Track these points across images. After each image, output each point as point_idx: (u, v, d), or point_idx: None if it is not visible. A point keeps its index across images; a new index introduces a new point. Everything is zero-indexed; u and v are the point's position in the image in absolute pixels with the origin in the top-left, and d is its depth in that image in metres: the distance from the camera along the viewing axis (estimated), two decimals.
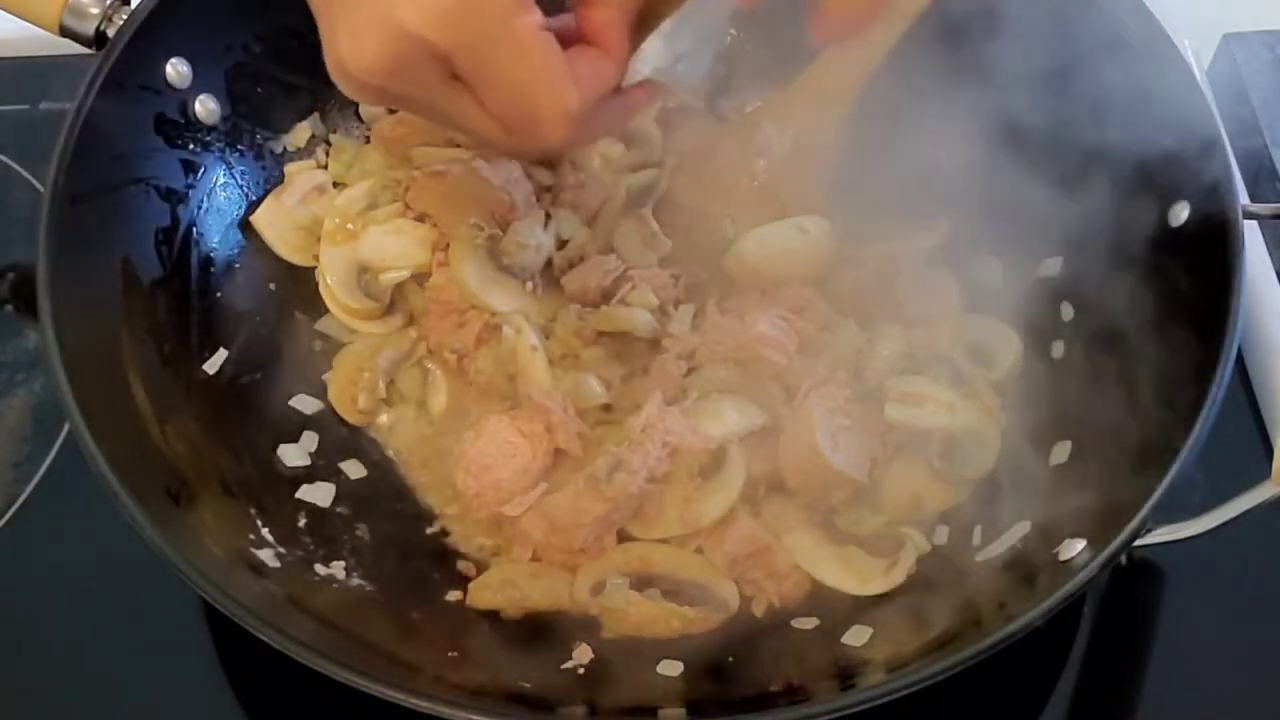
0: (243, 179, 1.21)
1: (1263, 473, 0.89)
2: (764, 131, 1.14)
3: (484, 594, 1.03)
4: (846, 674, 0.92)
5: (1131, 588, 1.09)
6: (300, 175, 1.24)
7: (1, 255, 1.29)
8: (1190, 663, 1.05)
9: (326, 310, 1.20)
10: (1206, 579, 1.08)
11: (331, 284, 1.18)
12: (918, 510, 1.06)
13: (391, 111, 1.27)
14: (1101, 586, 1.08)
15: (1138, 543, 0.88)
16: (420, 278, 1.19)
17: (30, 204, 1.29)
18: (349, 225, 1.20)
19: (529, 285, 1.16)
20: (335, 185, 1.25)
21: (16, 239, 1.27)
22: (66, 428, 1.17)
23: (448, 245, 1.17)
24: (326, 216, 1.21)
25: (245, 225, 1.20)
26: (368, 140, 1.28)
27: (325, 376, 1.18)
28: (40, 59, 1.39)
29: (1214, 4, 1.38)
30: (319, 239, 1.21)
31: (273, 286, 1.20)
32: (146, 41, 1.10)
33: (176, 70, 1.14)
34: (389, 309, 1.19)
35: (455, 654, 0.97)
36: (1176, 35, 1.06)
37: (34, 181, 1.31)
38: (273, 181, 1.23)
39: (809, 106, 1.14)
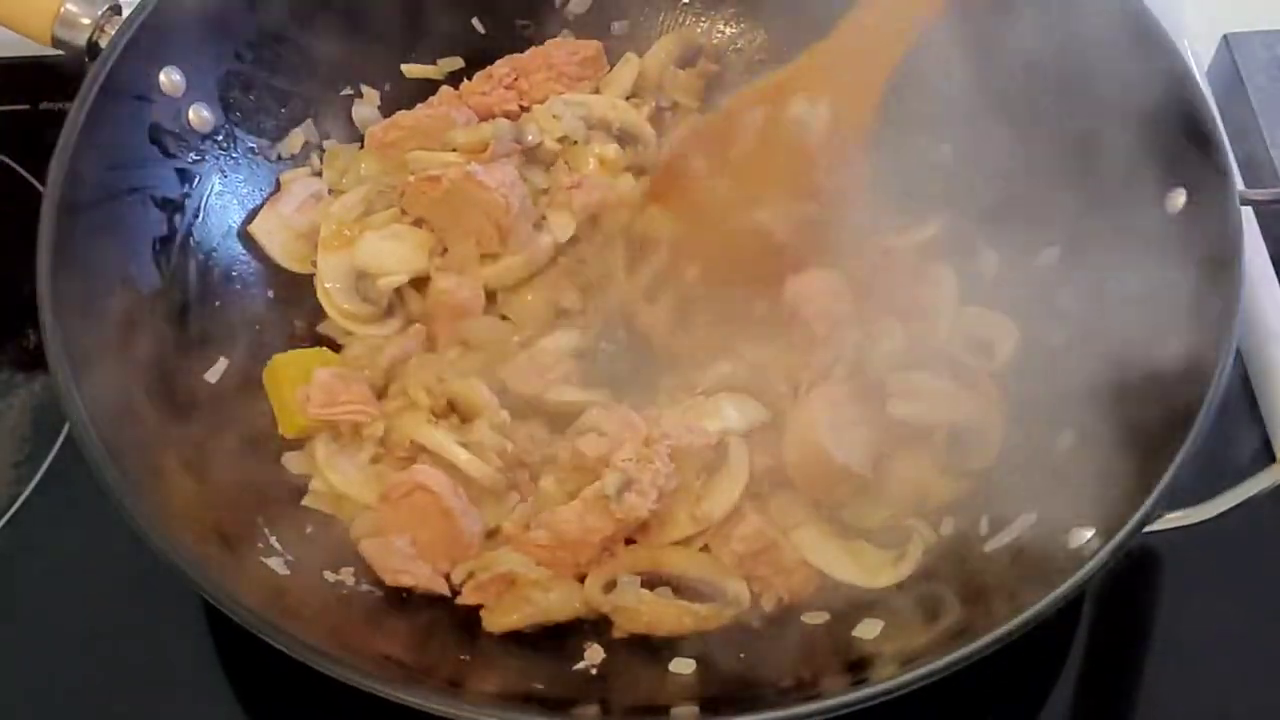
0: (238, 187, 1.21)
1: (1259, 462, 0.90)
2: (797, 102, 1.08)
3: (499, 618, 1.02)
4: (858, 668, 0.92)
5: (1131, 580, 1.09)
6: (296, 183, 1.23)
7: (1, 255, 1.28)
8: (1190, 653, 1.06)
9: (325, 315, 1.19)
10: (1205, 571, 1.08)
11: (330, 290, 1.18)
12: (923, 503, 1.06)
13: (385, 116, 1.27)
14: (1101, 579, 1.09)
15: (1147, 529, 0.88)
16: (418, 282, 1.19)
17: (30, 204, 1.28)
18: (345, 231, 1.20)
19: None
20: (331, 192, 1.25)
21: (16, 239, 1.26)
22: (66, 428, 1.16)
23: (444, 250, 1.17)
24: (323, 223, 1.20)
25: (243, 234, 1.20)
26: (361, 146, 1.27)
27: None
28: (40, 59, 1.38)
29: (1214, 4, 1.38)
30: (317, 246, 1.20)
31: (271, 294, 1.20)
32: (139, 51, 1.10)
33: (170, 79, 1.14)
34: (387, 313, 1.19)
35: (467, 657, 0.97)
36: (1176, 35, 1.06)
37: (34, 181, 1.31)
38: (268, 189, 1.23)
39: (848, 69, 1.06)
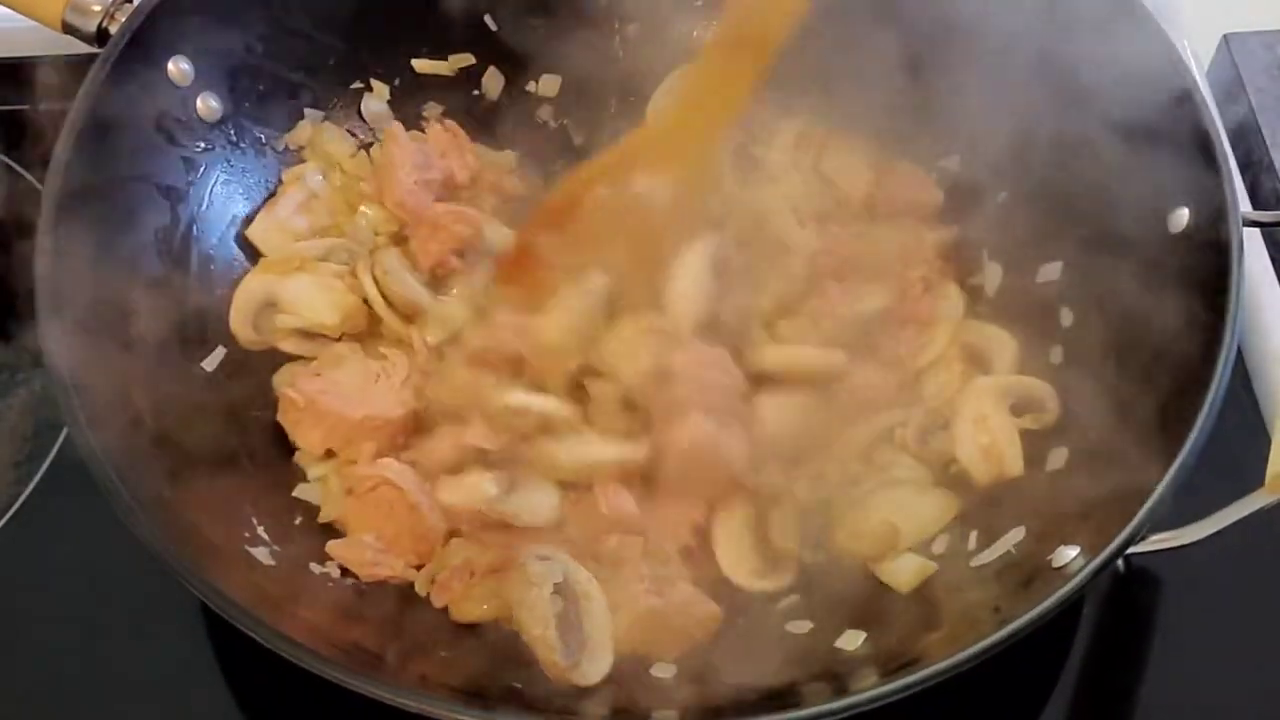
0: (243, 177, 1.21)
1: (1261, 479, 0.89)
2: (638, 184, 1.10)
3: (468, 608, 1.02)
4: (839, 678, 0.91)
5: (1130, 593, 1.09)
6: (293, 185, 1.23)
7: (1, 255, 1.29)
8: (1187, 668, 1.05)
9: None
10: (1204, 585, 1.08)
11: (238, 307, 1.15)
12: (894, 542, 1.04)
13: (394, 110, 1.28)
14: (1100, 592, 1.08)
15: (1132, 550, 0.87)
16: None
17: (30, 204, 1.29)
18: (295, 261, 1.17)
19: None
20: (323, 176, 1.24)
21: (16, 239, 1.27)
22: (66, 428, 1.16)
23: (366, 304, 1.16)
24: (282, 244, 1.19)
25: (240, 238, 1.20)
26: (361, 146, 1.28)
27: None
28: (40, 59, 1.39)
29: (1214, 4, 1.38)
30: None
31: None
32: (149, 39, 1.11)
33: (178, 68, 1.14)
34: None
35: (447, 654, 0.98)
36: (1176, 35, 1.06)
37: (34, 181, 1.31)
38: (273, 180, 1.23)
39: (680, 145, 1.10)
